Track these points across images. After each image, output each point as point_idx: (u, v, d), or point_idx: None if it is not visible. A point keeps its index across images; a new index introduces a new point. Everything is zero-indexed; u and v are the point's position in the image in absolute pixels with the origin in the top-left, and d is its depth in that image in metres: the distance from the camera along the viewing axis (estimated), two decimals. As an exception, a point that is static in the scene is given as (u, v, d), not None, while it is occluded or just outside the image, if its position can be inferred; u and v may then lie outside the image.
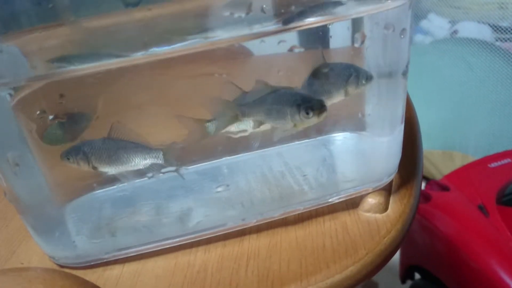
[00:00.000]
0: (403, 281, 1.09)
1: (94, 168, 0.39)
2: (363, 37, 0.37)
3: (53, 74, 0.36)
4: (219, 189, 0.45)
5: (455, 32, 1.63)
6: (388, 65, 0.39)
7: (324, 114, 0.37)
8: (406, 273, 1.07)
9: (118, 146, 0.40)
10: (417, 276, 1.07)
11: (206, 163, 0.46)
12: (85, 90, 0.40)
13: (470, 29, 1.58)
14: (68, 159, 0.39)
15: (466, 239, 0.89)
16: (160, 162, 0.40)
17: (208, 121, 0.41)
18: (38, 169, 0.39)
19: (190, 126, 0.41)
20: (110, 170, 0.40)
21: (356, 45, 0.38)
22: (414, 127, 0.52)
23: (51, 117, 0.39)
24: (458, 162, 1.49)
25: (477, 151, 1.49)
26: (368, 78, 0.40)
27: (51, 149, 0.41)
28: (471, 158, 1.45)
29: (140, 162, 0.40)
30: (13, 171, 0.36)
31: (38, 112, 0.38)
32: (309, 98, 0.37)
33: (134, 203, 0.45)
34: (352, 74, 0.39)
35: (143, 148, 0.40)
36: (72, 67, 0.35)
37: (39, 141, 0.40)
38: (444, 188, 1.03)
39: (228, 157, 0.46)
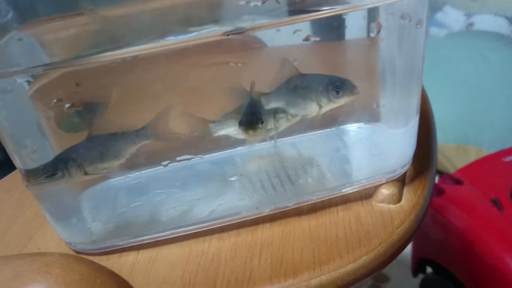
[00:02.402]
0: (415, 275, 1.09)
1: (86, 173, 0.38)
2: (379, 27, 0.37)
3: (70, 62, 0.36)
4: (233, 178, 0.45)
5: (471, 25, 1.61)
6: (403, 56, 0.39)
7: (355, 93, 0.37)
8: (418, 267, 1.07)
9: (104, 140, 0.39)
10: (428, 270, 1.06)
11: (220, 152, 0.47)
12: (99, 80, 0.40)
13: (486, 22, 1.55)
14: (54, 174, 0.36)
15: (479, 233, 0.88)
16: (150, 138, 0.40)
17: (212, 122, 0.41)
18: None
19: (194, 125, 0.41)
20: (104, 167, 0.39)
21: (372, 35, 0.38)
22: (429, 119, 0.51)
23: (67, 105, 0.39)
24: (472, 156, 1.48)
25: (491, 145, 1.47)
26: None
27: (67, 137, 0.41)
28: (485, 152, 1.44)
29: (131, 146, 0.40)
30: (31, 158, 0.37)
31: (55, 101, 0.39)
32: (338, 77, 0.37)
33: (149, 191, 0.45)
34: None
35: (129, 132, 0.40)
36: (88, 56, 0.36)
37: (55, 129, 0.40)
38: (457, 182, 1.02)
39: (242, 147, 0.47)
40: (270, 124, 0.40)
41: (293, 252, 0.38)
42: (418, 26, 0.36)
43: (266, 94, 0.40)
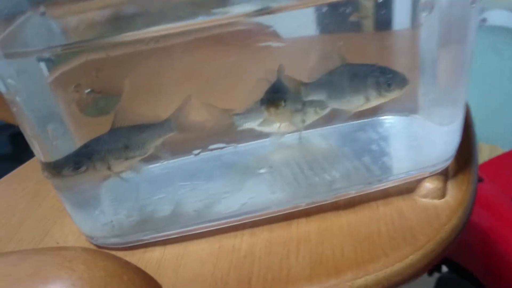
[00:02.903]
0: (430, 274, 1.07)
1: (110, 167, 0.36)
2: (431, 5, 0.34)
3: (88, 42, 0.34)
4: (262, 170, 0.42)
5: (484, 20, 1.58)
6: (453, 40, 0.36)
7: (406, 87, 0.34)
8: (433, 265, 1.04)
9: (128, 133, 0.37)
10: (444, 269, 1.04)
11: (246, 143, 0.44)
12: (117, 68, 0.38)
13: (499, 17, 1.52)
14: (78, 167, 0.34)
15: (499, 231, 0.86)
16: (174, 131, 0.38)
17: (237, 114, 0.39)
18: (76, 144, 0.37)
19: (218, 117, 0.39)
20: (128, 161, 0.37)
21: (424, 14, 0.35)
22: (468, 111, 0.48)
23: (87, 90, 0.37)
24: (486, 153, 1.45)
25: (506, 143, 1.44)
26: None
27: (89, 123, 0.39)
28: (500, 149, 1.41)
29: (156, 139, 0.38)
30: (53, 144, 0.34)
31: (74, 86, 0.36)
32: (389, 69, 0.34)
33: (173, 182, 0.42)
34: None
35: (153, 124, 0.38)
36: (107, 37, 0.34)
37: (77, 115, 0.38)
38: (478, 179, 0.99)
39: (269, 138, 0.44)
40: (297, 110, 0.37)
41: (332, 249, 0.35)
42: (473, 4, 0.34)
43: (306, 84, 0.37)
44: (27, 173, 0.51)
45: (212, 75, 0.40)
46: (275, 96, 0.35)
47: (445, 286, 1.03)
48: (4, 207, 0.47)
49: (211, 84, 0.41)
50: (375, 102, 0.35)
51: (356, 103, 0.35)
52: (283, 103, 0.35)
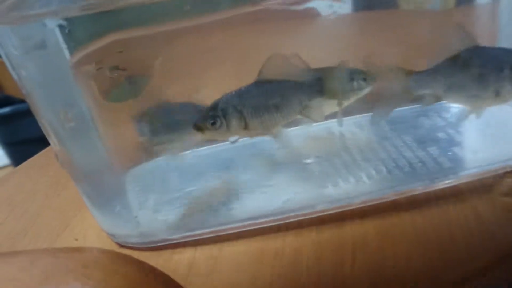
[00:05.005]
0: None
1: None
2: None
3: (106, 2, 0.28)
4: (308, 160, 0.37)
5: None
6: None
7: None
8: None
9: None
10: None
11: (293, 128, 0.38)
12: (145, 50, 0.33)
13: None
14: (214, 123, 0.30)
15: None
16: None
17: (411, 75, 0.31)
18: (95, 129, 0.32)
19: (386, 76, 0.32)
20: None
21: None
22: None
23: (111, 71, 0.32)
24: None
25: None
26: None
27: (111, 107, 0.34)
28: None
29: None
30: (67, 127, 0.29)
31: (98, 68, 0.31)
32: None
33: (205, 173, 0.37)
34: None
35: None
36: None
37: (97, 97, 0.33)
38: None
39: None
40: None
41: (395, 257, 0.29)
42: None
43: (417, 73, 0.30)
44: (48, 159, 0.47)
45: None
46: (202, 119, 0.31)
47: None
48: (22, 196, 0.43)
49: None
50: (504, 99, 0.28)
51: (483, 98, 0.28)
52: (208, 125, 0.31)
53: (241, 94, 0.31)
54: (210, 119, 0.30)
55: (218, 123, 0.30)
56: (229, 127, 0.30)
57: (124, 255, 0.29)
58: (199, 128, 0.31)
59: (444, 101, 0.38)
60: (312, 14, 0.32)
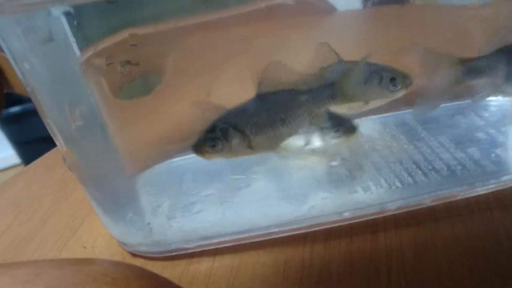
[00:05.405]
0: None
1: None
2: None
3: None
4: (334, 163, 0.34)
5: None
6: None
7: None
8: None
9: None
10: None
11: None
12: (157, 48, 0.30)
13: None
14: (214, 145, 0.28)
15: None
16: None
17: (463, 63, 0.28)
18: (105, 129, 0.30)
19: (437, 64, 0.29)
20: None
21: None
22: None
23: (123, 66, 0.29)
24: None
25: None
26: None
27: (122, 106, 0.31)
28: None
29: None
30: (74, 126, 0.27)
31: (108, 63, 0.29)
32: None
33: (225, 175, 0.34)
34: None
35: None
36: None
37: (107, 94, 0.30)
38: None
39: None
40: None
41: (437, 269, 0.26)
42: None
43: (472, 60, 0.27)
44: (56, 160, 0.45)
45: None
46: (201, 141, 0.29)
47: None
48: (29, 200, 0.40)
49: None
50: None
51: None
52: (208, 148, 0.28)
53: (241, 111, 0.28)
54: (209, 141, 0.28)
55: (219, 145, 0.27)
56: (231, 148, 0.27)
57: (136, 267, 0.26)
58: (198, 151, 0.28)
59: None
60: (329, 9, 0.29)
